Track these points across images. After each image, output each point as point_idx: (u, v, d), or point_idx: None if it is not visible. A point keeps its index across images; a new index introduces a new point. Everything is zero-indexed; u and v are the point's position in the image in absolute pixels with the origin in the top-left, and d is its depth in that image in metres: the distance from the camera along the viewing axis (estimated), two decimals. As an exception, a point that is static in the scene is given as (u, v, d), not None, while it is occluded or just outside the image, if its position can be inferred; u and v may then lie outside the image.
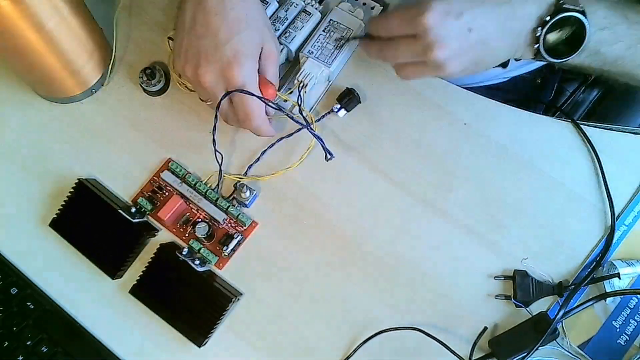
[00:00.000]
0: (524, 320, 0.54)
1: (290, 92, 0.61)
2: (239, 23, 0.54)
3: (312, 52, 0.61)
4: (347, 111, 0.62)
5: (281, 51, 0.61)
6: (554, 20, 0.50)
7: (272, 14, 0.62)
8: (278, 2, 0.63)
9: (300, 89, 0.60)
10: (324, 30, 0.62)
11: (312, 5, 0.63)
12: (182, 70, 0.55)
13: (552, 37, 0.52)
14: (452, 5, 0.50)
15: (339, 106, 0.61)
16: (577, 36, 0.51)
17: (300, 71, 0.61)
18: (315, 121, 0.61)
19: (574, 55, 0.51)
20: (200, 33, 0.54)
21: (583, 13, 0.50)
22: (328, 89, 0.63)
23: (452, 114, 0.62)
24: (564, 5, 0.50)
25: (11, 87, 0.63)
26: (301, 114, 0.59)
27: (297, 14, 0.62)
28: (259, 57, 0.55)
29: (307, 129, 0.58)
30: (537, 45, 0.51)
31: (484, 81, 0.80)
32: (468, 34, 0.50)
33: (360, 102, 0.62)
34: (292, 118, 0.57)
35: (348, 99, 0.61)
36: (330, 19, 0.62)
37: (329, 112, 0.62)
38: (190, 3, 0.55)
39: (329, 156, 0.57)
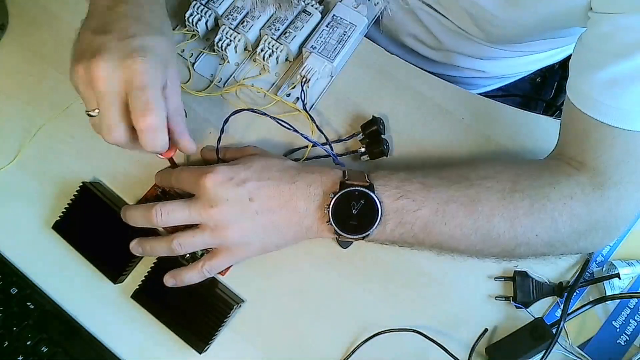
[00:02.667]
0: (520, 327, 0.54)
1: (293, 87, 0.61)
2: (153, 28, 0.48)
3: (315, 47, 0.61)
4: (371, 159, 0.59)
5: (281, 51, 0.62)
6: (337, 195, 0.50)
7: (272, 14, 0.62)
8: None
9: (303, 83, 0.60)
10: (327, 26, 0.61)
11: (312, 5, 0.62)
12: (73, 71, 0.46)
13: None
14: (237, 173, 0.51)
15: (363, 149, 0.59)
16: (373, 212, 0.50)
17: (303, 66, 0.61)
18: (338, 154, 0.60)
19: (373, 227, 0.50)
20: (106, 29, 0.46)
21: (370, 187, 0.50)
22: (330, 84, 0.63)
23: (452, 114, 0.62)
24: (347, 182, 0.51)
25: (12, 87, 0.63)
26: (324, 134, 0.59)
27: (297, 14, 0.62)
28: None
29: (333, 156, 0.58)
30: (328, 221, 0.50)
31: (486, 85, 0.80)
32: (248, 203, 0.50)
33: (386, 151, 0.59)
34: (308, 139, 0.57)
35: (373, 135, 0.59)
36: (334, 15, 0.62)
37: (354, 152, 0.60)
38: (100, 5, 0.48)
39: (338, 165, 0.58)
